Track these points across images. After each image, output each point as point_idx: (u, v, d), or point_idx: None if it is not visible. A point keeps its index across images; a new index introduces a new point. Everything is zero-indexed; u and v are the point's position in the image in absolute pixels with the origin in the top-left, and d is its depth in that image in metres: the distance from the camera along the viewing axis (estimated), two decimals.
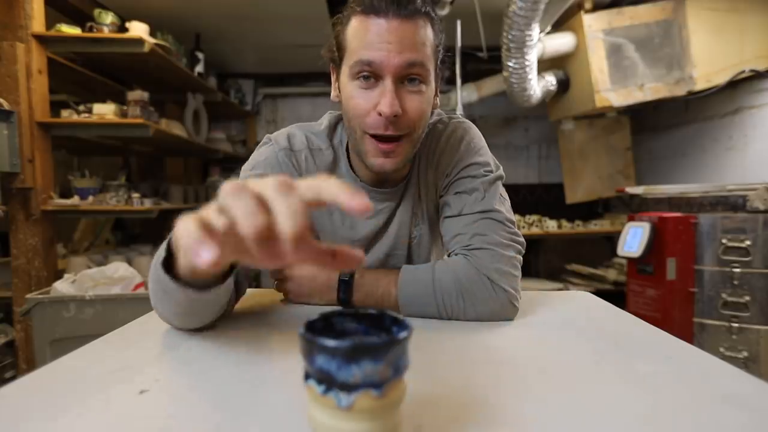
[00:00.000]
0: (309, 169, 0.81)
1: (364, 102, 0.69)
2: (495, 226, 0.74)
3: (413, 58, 0.67)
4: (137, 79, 2.87)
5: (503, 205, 0.77)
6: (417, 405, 0.41)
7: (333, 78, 0.78)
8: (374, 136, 0.71)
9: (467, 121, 0.85)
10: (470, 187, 0.77)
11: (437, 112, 0.86)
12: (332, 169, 0.82)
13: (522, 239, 0.76)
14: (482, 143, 0.83)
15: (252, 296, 0.85)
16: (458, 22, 2.59)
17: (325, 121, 0.84)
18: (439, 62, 0.76)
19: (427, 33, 0.70)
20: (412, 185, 0.83)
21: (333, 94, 0.78)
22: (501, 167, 0.82)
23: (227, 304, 0.65)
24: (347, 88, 0.72)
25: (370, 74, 0.69)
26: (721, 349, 2.02)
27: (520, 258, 0.75)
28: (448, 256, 0.77)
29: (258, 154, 0.81)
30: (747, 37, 2.61)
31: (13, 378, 1.79)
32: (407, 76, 0.69)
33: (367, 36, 0.67)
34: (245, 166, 0.81)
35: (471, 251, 0.72)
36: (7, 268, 2.08)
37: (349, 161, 0.82)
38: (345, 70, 0.72)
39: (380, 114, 0.68)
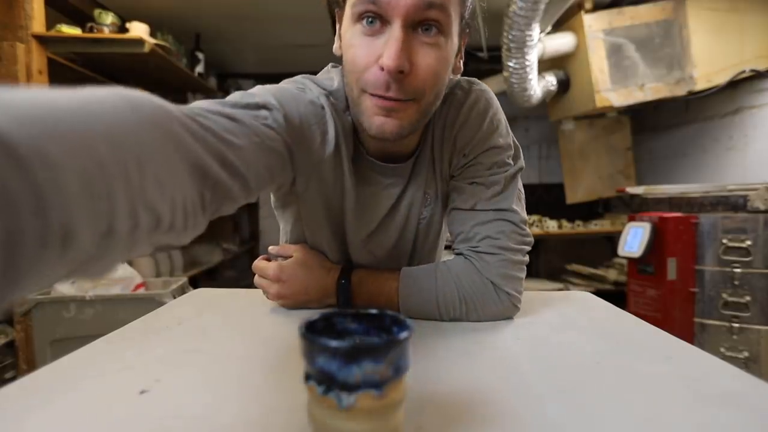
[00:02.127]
0: (337, 123, 0.66)
1: (366, 52, 0.56)
2: (508, 229, 0.69)
3: None
4: (137, 79, 2.87)
5: (519, 203, 0.72)
6: (417, 405, 0.41)
7: (337, 26, 0.64)
8: (374, 95, 0.58)
9: (488, 88, 0.73)
10: (490, 180, 0.70)
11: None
12: (351, 134, 0.69)
13: (531, 239, 0.72)
14: (504, 118, 0.74)
15: (252, 296, 0.85)
16: None
17: (336, 78, 0.68)
18: (466, 16, 0.61)
19: None
20: (423, 159, 0.73)
21: (335, 45, 0.65)
22: (521, 149, 0.75)
23: None
24: (347, 35, 0.59)
25: (374, 17, 0.55)
26: (722, 350, 2.02)
27: (527, 258, 0.72)
28: (453, 251, 0.75)
29: (296, 94, 0.63)
30: (747, 37, 2.61)
31: (13, 378, 1.79)
32: (422, 22, 0.55)
33: None
34: (284, 95, 0.61)
35: (478, 254, 0.70)
36: None
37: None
38: (347, 12, 0.58)
39: (382, 68, 0.54)
